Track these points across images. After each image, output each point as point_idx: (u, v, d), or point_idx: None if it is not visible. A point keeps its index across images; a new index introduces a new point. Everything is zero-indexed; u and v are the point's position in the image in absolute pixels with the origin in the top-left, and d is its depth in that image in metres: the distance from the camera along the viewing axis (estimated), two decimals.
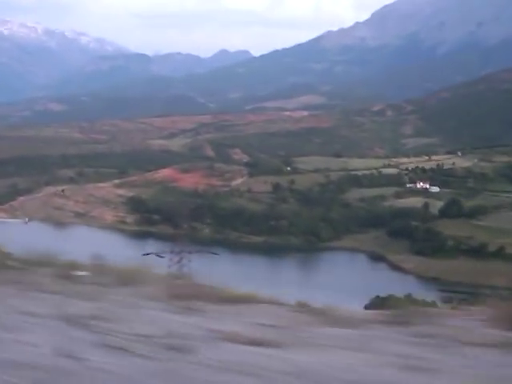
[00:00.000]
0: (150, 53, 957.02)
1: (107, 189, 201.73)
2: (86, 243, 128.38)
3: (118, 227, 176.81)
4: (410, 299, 61.29)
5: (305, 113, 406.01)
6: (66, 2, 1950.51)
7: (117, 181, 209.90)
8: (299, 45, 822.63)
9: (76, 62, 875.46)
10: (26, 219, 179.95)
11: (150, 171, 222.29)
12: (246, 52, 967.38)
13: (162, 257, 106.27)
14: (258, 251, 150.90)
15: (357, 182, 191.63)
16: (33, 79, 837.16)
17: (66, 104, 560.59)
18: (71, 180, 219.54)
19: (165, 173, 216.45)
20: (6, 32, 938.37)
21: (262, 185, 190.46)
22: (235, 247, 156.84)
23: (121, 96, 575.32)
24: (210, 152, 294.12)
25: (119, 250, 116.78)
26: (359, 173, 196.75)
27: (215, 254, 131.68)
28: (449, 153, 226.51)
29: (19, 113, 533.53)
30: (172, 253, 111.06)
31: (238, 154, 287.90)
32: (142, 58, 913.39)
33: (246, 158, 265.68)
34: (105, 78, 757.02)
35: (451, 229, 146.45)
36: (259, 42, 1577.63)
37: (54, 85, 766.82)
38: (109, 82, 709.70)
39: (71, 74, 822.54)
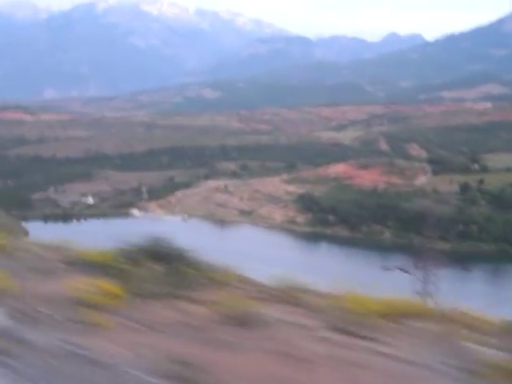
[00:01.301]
0: (312, 36, 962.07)
1: (275, 184, 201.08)
2: (265, 248, 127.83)
3: (287, 227, 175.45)
4: None
5: (488, 104, 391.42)
6: None
7: (285, 176, 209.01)
8: (478, 28, 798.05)
9: (231, 45, 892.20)
10: (186, 216, 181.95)
11: (320, 166, 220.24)
12: (418, 36, 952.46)
13: (407, 273, 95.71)
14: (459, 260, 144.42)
15: None
16: (184, 63, 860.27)
17: (221, 90, 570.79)
18: (234, 174, 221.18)
19: (338, 168, 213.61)
20: (155, 12, 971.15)
21: (447, 184, 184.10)
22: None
23: (281, 82, 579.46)
24: (384, 146, 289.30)
25: (320, 263, 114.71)
26: None
27: (467, 269, 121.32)
28: None
29: (170, 99, 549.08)
30: (417, 267, 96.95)
31: (415, 150, 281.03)
32: (303, 41, 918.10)
33: (424, 154, 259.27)
34: (263, 63, 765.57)
35: None
36: (433, 25, 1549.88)
37: (207, 70, 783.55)
38: (267, 66, 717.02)
39: (226, 57, 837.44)
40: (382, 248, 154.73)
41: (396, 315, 8.21)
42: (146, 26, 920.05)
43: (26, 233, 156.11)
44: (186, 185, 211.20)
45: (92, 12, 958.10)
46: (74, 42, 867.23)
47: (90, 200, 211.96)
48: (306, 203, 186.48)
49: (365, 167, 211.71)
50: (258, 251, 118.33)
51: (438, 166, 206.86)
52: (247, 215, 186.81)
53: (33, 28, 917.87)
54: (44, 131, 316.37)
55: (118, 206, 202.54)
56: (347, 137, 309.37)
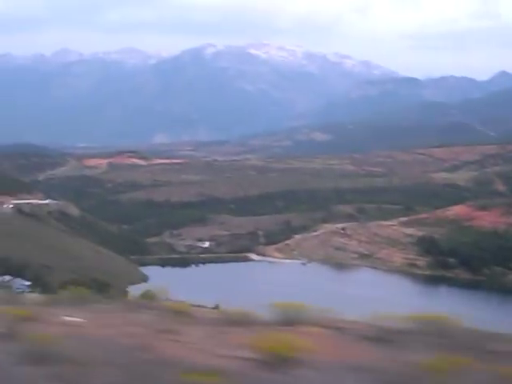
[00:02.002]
0: (420, 76, 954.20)
1: (393, 227, 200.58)
2: (387, 292, 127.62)
3: (407, 270, 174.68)
4: None
5: None
6: (328, 23, 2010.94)
7: (403, 218, 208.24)
8: None
9: (339, 88, 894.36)
10: (305, 260, 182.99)
11: (437, 208, 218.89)
12: None
13: None
14: None
15: None
16: (293, 106, 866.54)
17: (331, 133, 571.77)
18: (350, 217, 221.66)
19: (457, 210, 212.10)
20: (263, 56, 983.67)
21: None
22: None
23: (391, 124, 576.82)
24: (501, 187, 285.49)
25: (443, 306, 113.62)
26: None
27: None
28: None
29: (280, 143, 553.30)
30: None
31: None
32: (412, 81, 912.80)
33: None
34: (372, 105, 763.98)
35: None
36: None
37: (316, 112, 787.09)
38: (377, 108, 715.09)
39: (334, 100, 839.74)
40: (505, 291, 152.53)
41: None
42: (255, 69, 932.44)
43: (146, 278, 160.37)
44: (303, 228, 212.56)
45: (200, 56, 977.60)
46: (183, 86, 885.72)
47: (206, 244, 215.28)
48: (425, 246, 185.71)
49: (484, 208, 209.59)
50: (380, 295, 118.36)
51: None
52: (366, 258, 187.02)
53: (143, 74, 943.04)
54: (157, 175, 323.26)
55: (234, 250, 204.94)
56: (461, 177, 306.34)
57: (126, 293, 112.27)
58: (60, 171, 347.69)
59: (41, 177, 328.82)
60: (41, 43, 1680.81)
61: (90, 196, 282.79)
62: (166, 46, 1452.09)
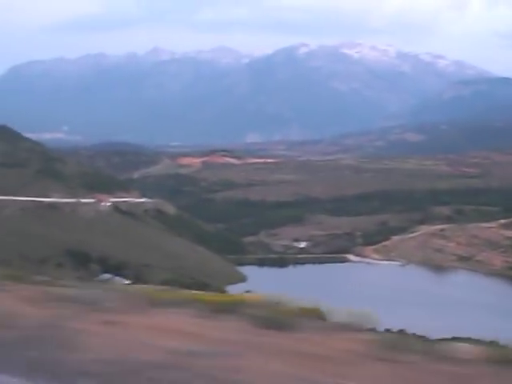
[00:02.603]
0: None
1: (492, 229, 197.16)
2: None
3: (508, 274, 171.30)
4: None
5: None
6: (422, 23, 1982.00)
7: (502, 220, 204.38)
8: None
9: (432, 88, 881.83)
10: (402, 262, 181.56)
11: None
12: None
13: None
14: None
15: None
16: (385, 106, 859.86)
17: (424, 133, 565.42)
18: (448, 218, 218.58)
19: None
20: (356, 55, 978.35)
21: None
22: None
23: (485, 124, 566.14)
24: None
25: None
26: None
27: None
28: None
29: (372, 143, 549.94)
30: None
31: None
32: (507, 82, 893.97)
33: None
34: (466, 105, 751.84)
35: None
36: None
37: (408, 112, 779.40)
38: (470, 109, 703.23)
39: (427, 100, 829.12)
40: None
41: None
42: (347, 69, 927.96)
43: (244, 278, 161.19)
44: (401, 230, 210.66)
45: (293, 56, 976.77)
46: (275, 85, 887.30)
47: (303, 244, 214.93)
48: None
49: None
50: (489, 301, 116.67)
51: None
52: (465, 261, 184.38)
53: (235, 73, 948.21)
54: (251, 174, 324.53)
55: (331, 250, 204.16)
56: None
57: (224, 293, 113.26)
58: (154, 169, 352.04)
59: (135, 175, 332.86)
60: (133, 42, 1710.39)
61: (185, 194, 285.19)
62: (258, 45, 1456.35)
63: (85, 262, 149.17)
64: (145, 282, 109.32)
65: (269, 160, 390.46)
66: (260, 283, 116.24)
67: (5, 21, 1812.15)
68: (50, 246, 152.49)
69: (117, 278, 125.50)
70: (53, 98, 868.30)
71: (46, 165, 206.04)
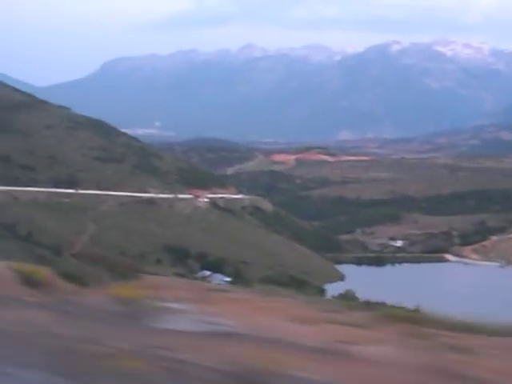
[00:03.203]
0: None
1: None
2: None
3: None
4: None
5: None
6: None
7: None
8: None
9: None
10: (502, 263, 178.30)
11: None
12: None
13: None
14: None
15: None
16: (479, 105, 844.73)
17: None
18: None
19: None
20: (449, 53, 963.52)
21: None
22: None
23: None
24: None
25: None
26: None
27: None
28: None
29: (466, 141, 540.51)
30: None
31: None
32: None
33: None
34: None
35: None
36: None
37: (503, 111, 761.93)
38: None
39: None
40: None
41: None
42: (440, 67, 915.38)
43: (342, 277, 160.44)
44: (499, 230, 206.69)
45: (385, 53, 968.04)
46: (367, 83, 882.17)
47: (399, 243, 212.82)
48: None
49: None
50: None
51: None
52: None
53: (328, 70, 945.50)
54: (345, 172, 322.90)
55: (428, 250, 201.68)
56: None
57: (323, 291, 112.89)
58: (248, 166, 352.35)
59: (229, 171, 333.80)
60: (226, 39, 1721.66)
61: (280, 191, 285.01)
62: (350, 42, 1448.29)
63: (183, 259, 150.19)
64: (245, 280, 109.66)
65: (362, 158, 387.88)
66: (358, 282, 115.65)
67: (101, 21, 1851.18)
68: (149, 241, 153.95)
69: (217, 275, 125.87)
70: (145, 94, 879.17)
71: (142, 160, 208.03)
